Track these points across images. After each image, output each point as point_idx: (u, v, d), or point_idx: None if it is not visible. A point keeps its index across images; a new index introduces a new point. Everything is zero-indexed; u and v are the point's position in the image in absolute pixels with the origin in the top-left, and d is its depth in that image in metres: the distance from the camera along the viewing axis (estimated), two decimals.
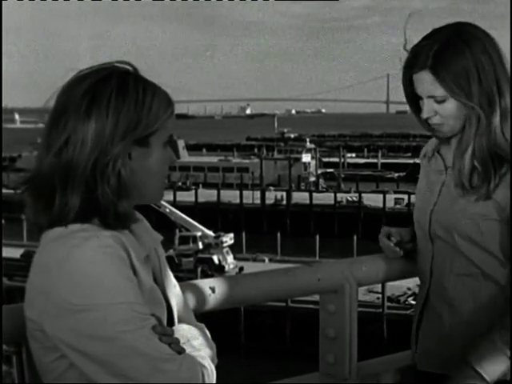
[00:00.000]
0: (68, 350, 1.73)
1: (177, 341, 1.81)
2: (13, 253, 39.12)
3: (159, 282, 1.93)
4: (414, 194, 2.93)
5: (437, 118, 2.59)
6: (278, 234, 47.07)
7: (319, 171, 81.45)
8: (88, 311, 1.70)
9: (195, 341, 1.89)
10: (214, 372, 1.85)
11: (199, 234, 44.76)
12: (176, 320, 1.95)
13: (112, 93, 1.81)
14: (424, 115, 2.59)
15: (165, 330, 1.80)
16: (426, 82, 2.54)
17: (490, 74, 2.51)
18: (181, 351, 1.79)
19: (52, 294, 1.72)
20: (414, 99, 2.64)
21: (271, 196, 63.95)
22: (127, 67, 1.89)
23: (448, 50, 2.50)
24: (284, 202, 63.14)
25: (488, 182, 2.53)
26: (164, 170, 1.91)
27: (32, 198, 1.84)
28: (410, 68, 2.58)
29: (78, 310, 1.70)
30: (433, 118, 2.60)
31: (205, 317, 2.40)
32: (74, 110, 1.80)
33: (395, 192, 64.77)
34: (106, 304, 1.70)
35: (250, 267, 37.96)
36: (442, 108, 2.56)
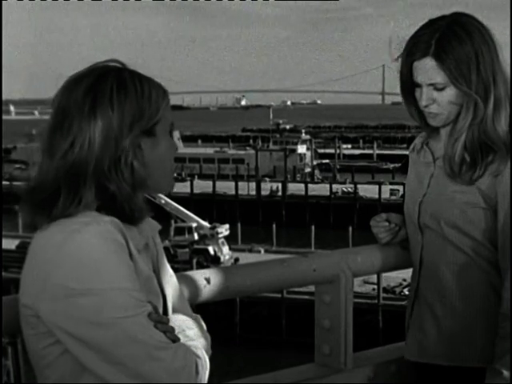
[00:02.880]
0: (63, 335, 1.73)
1: (172, 329, 1.81)
2: (8, 244, 39.06)
3: (156, 271, 1.93)
4: None
5: (434, 106, 2.60)
6: (274, 225, 47.04)
7: (315, 162, 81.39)
8: (85, 296, 1.69)
9: (190, 331, 1.89)
10: (208, 363, 1.85)
11: (195, 225, 44.73)
12: (170, 310, 1.95)
13: (113, 90, 1.82)
14: (423, 103, 2.60)
15: (160, 317, 1.80)
16: (427, 68, 2.55)
17: (488, 64, 2.54)
18: (175, 340, 1.79)
19: (49, 278, 1.72)
20: (408, 89, 2.65)
21: (267, 187, 63.90)
22: (117, 65, 1.90)
23: (450, 38, 2.53)
24: (279, 193, 63.12)
25: (474, 170, 2.57)
26: (172, 158, 1.93)
27: (32, 204, 1.82)
28: (411, 56, 2.58)
29: (75, 295, 1.70)
30: (431, 107, 2.61)
31: (200, 308, 2.40)
32: (76, 111, 1.80)
33: (391, 183, 64.87)
34: (104, 289, 1.70)
35: (246, 258, 38.00)
36: (441, 96, 2.57)
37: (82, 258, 1.71)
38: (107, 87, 1.82)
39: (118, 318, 1.70)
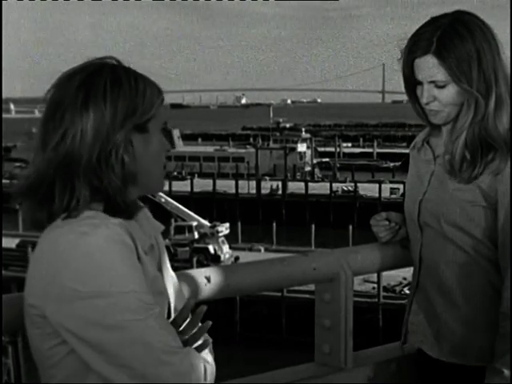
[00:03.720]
0: (70, 336, 1.73)
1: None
2: (8, 243, 39.03)
3: (160, 272, 1.93)
4: None
5: (435, 103, 2.60)
6: (274, 224, 46.97)
7: (315, 161, 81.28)
8: (94, 298, 1.69)
9: None
10: (214, 367, 1.85)
11: (195, 223, 44.69)
12: (173, 310, 1.95)
13: (106, 84, 1.82)
14: (424, 100, 2.60)
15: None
16: (428, 66, 2.55)
17: (489, 62, 2.53)
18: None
19: (57, 280, 1.71)
20: (411, 87, 2.65)
21: (267, 186, 63.85)
22: (113, 61, 1.90)
23: (452, 35, 2.52)
24: (279, 192, 63.09)
25: (473, 168, 2.57)
26: (163, 156, 1.93)
27: (29, 198, 1.82)
28: (412, 53, 2.58)
29: (84, 297, 1.70)
30: (431, 104, 2.61)
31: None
32: (69, 104, 1.80)
33: (391, 182, 64.85)
34: (113, 292, 1.70)
35: (246, 257, 37.98)
36: (442, 93, 2.57)
37: (90, 260, 1.71)
38: (101, 82, 1.82)
39: (125, 321, 1.70)
